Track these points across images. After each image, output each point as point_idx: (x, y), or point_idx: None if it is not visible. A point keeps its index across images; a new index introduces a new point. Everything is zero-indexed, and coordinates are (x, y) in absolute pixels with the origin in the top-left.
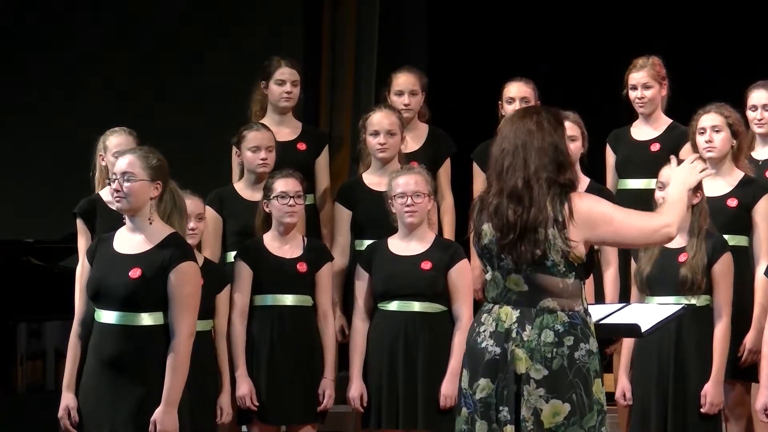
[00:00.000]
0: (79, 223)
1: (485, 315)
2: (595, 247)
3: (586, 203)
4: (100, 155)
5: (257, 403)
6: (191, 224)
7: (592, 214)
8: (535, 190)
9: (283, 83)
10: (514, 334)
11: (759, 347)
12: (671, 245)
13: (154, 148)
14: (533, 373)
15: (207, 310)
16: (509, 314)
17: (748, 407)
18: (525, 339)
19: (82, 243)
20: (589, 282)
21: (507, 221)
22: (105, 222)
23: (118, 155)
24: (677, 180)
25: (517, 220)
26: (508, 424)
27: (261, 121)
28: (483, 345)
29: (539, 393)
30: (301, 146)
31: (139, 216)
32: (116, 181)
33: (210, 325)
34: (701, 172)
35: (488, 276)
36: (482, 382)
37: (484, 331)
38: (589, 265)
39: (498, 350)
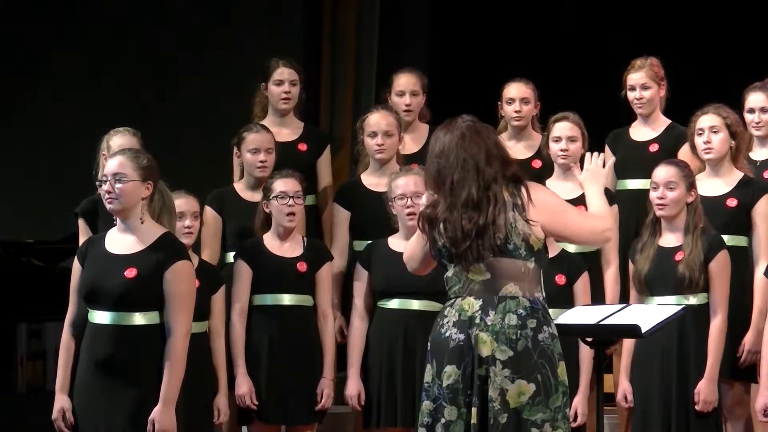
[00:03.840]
0: (81, 223)
1: (448, 308)
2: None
3: (542, 190)
4: (103, 155)
5: (257, 403)
6: (187, 222)
7: (549, 201)
8: (494, 189)
9: (281, 83)
10: (477, 320)
11: (758, 348)
12: (667, 244)
13: (142, 149)
14: (499, 355)
15: (202, 312)
16: (471, 304)
17: (748, 407)
18: (489, 323)
19: None
20: (586, 282)
21: (462, 231)
22: (106, 222)
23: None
24: (591, 184)
25: (472, 227)
26: (473, 407)
27: (262, 122)
28: (447, 334)
29: (505, 374)
30: (302, 147)
31: (130, 217)
32: (107, 182)
33: (205, 327)
34: (604, 165)
35: (450, 273)
36: (449, 369)
37: (447, 323)
38: (545, 255)
39: (462, 336)
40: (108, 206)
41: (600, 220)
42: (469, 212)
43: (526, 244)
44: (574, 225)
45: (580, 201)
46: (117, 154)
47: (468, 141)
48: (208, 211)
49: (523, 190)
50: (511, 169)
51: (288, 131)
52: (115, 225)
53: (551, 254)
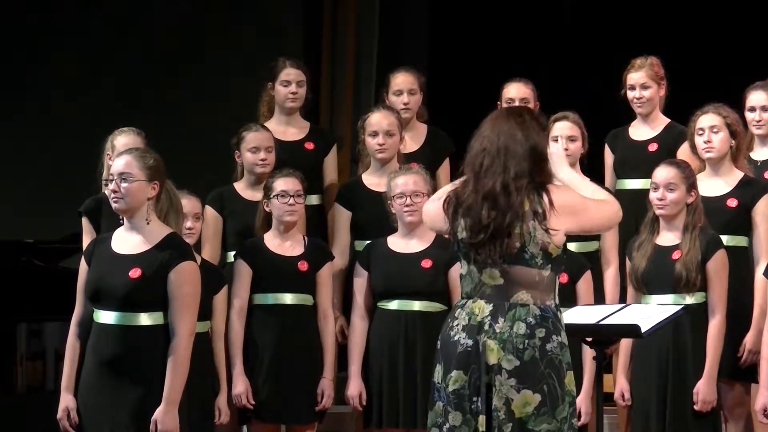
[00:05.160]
0: (85, 222)
1: (459, 310)
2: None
3: (564, 193)
4: (108, 154)
5: (253, 402)
6: (188, 224)
7: (572, 203)
8: (513, 195)
9: (288, 84)
10: (486, 327)
11: (759, 348)
12: (665, 243)
13: (149, 148)
14: (505, 364)
15: (204, 312)
16: (482, 308)
17: (748, 408)
18: (497, 331)
19: (87, 242)
20: (589, 281)
21: (479, 221)
22: (110, 221)
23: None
24: (560, 167)
25: (490, 222)
26: (480, 414)
27: (269, 122)
28: (456, 338)
29: (510, 383)
30: (309, 146)
31: (136, 216)
32: (113, 181)
33: (207, 327)
34: (557, 151)
35: (463, 270)
36: (455, 374)
37: (457, 325)
38: (563, 259)
39: (470, 342)
40: (114, 206)
41: (608, 204)
42: (487, 206)
43: (543, 253)
44: (597, 217)
45: None
46: (124, 154)
47: (510, 132)
48: (209, 210)
49: (545, 196)
50: (541, 177)
51: (295, 130)
52: (121, 224)
53: None
